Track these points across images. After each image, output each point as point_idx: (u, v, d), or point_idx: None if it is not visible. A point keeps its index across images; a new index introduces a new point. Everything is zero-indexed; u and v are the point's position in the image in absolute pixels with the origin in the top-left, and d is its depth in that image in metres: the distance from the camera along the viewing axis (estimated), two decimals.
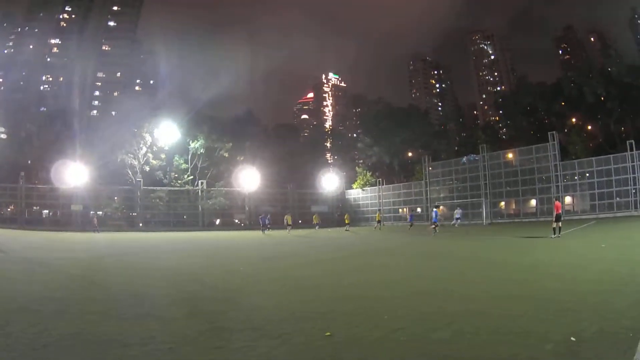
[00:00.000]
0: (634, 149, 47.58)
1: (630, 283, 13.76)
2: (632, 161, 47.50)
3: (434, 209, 39.63)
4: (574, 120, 76.90)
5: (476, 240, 35.27)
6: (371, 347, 9.20)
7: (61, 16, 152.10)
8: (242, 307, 13.55)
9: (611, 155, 51.09)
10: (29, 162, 77.69)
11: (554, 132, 57.24)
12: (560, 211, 30.18)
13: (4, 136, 71.80)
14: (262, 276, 20.19)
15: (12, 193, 70.47)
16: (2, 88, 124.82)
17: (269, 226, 56.10)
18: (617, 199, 48.26)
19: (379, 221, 59.97)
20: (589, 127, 76.57)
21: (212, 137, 78.21)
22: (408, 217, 63.08)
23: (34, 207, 76.13)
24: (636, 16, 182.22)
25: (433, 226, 37.41)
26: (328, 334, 10.32)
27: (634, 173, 47.24)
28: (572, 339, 8.89)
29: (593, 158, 53.36)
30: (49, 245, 37.13)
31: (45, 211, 77.51)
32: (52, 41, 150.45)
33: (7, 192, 71.28)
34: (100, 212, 72.58)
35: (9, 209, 75.22)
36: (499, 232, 41.07)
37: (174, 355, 9.02)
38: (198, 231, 63.74)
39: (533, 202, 47.56)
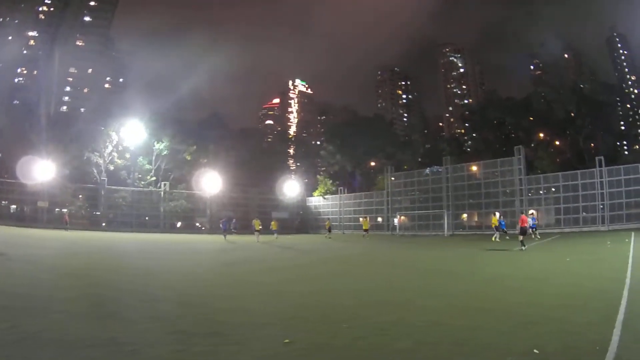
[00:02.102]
0: (603, 165, 47.78)
1: (595, 297, 13.82)
2: (601, 177, 47.74)
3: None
4: (541, 135, 77.06)
5: (439, 251, 35.26)
6: (330, 355, 9.25)
7: (40, 8, 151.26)
8: (201, 311, 13.43)
9: (579, 171, 51.32)
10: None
11: (520, 146, 57.20)
12: (525, 225, 31.00)
13: None
14: (221, 281, 20.45)
15: None
16: None
17: (233, 231, 55.77)
18: (584, 214, 48.62)
19: (329, 229, 60.10)
20: (557, 143, 76.86)
21: (177, 140, 78.25)
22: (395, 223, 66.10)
23: (2, 202, 75.09)
24: (614, 34, 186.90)
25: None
26: (287, 340, 10.29)
27: (602, 189, 47.47)
28: (535, 351, 8.86)
29: (560, 173, 53.49)
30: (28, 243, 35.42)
31: (13, 206, 76.18)
32: (30, 34, 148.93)
33: None
34: (65, 210, 70.57)
35: None
36: (461, 244, 41.25)
37: (136, 357, 9.03)
38: (159, 233, 63.31)
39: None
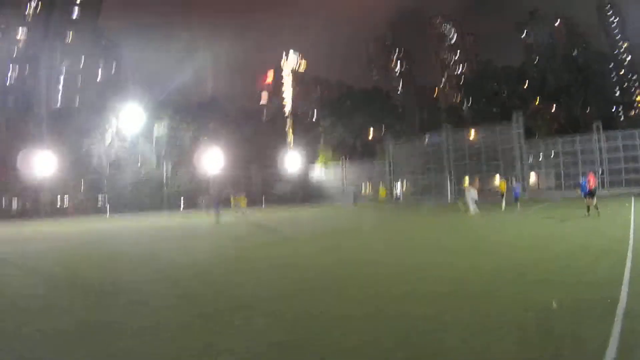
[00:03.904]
0: (601, 131, 48.16)
1: (602, 257, 14.34)
2: (599, 142, 48.12)
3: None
4: (537, 102, 77.51)
5: (451, 218, 35.19)
6: (358, 324, 9.54)
7: (27, 5, 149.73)
8: (226, 287, 14.12)
9: (577, 136, 51.63)
10: None
11: (519, 112, 56.99)
12: (594, 186, 27.85)
13: None
14: (239, 254, 21.32)
15: None
16: None
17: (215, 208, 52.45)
18: (583, 178, 48.42)
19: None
20: (553, 110, 77.31)
21: (177, 121, 78.07)
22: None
23: (5, 199, 75.41)
24: (605, 1, 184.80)
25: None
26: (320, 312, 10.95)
27: (600, 154, 47.82)
28: (554, 304, 9.67)
29: (559, 138, 53.82)
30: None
31: (14, 202, 76.54)
32: (20, 32, 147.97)
33: None
34: (67, 200, 72.70)
35: None
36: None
37: (175, 344, 9.17)
38: (164, 215, 61.75)
39: (497, 180, 47.80)
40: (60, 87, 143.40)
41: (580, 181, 31.12)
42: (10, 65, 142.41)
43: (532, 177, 55.60)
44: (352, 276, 14.91)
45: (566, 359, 7.38)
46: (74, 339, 9.57)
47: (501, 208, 37.20)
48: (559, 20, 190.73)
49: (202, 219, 49.33)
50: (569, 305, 9.65)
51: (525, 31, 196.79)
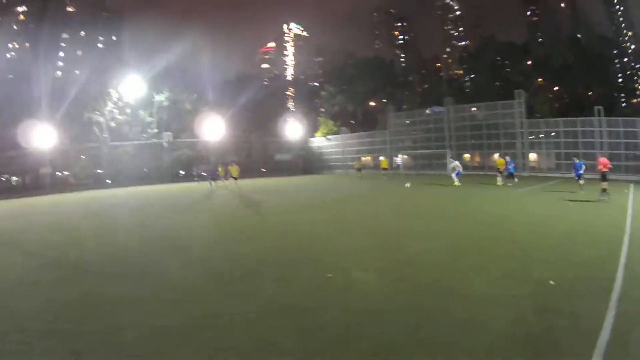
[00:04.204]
0: (602, 115, 48.13)
1: (599, 241, 14.95)
2: (600, 126, 48.02)
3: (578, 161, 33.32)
4: (540, 80, 77.08)
5: (456, 191, 35.88)
6: (367, 287, 10.94)
7: None
8: (234, 253, 15.52)
9: (578, 118, 51.46)
10: None
11: (521, 90, 56.98)
12: (606, 169, 27.21)
13: None
14: (246, 223, 22.73)
15: None
16: None
17: (209, 178, 53.15)
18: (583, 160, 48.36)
19: (358, 169, 61.10)
20: (556, 89, 77.26)
21: (177, 90, 78.21)
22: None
23: (5, 176, 76.17)
24: None
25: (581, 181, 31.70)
26: (329, 275, 11.96)
27: (601, 138, 47.74)
28: (551, 282, 10.41)
29: (560, 119, 53.58)
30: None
31: (15, 178, 77.19)
32: (19, 9, 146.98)
33: None
34: (67, 172, 72.81)
35: None
36: (469, 183, 41.25)
37: (181, 307, 10.27)
38: (164, 184, 63.97)
39: (496, 156, 47.91)
40: (57, 59, 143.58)
41: (576, 161, 32.74)
42: (8, 35, 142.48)
43: (533, 156, 55.65)
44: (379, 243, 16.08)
45: (562, 332, 8.05)
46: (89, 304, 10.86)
47: (496, 183, 39.03)
48: (563, 2, 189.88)
49: (201, 188, 50.92)
50: (567, 281, 10.56)
51: (530, 9, 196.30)
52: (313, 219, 23.41)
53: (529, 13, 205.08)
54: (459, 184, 40.79)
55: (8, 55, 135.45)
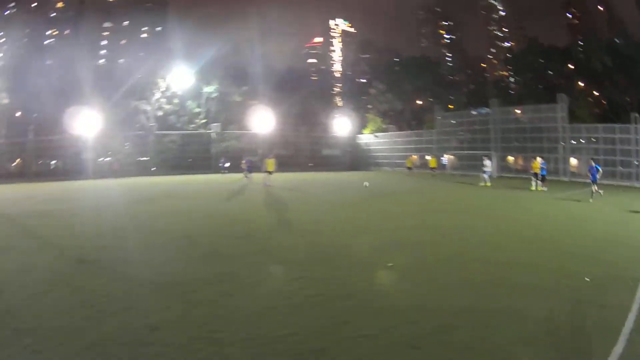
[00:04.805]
0: (638, 122, 47.60)
1: (629, 245, 16.25)
2: (636, 134, 47.57)
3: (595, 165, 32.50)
4: (581, 84, 77.60)
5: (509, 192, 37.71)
6: (425, 274, 12.39)
7: None
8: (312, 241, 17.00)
9: (617, 125, 51.11)
10: (35, 115, 77.80)
11: (563, 94, 56.82)
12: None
13: (6, 101, 71.03)
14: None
15: (22, 147, 70.53)
16: (5, 47, 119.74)
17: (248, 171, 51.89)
18: (620, 168, 47.99)
19: (409, 167, 62.52)
20: (595, 93, 77.64)
21: (226, 82, 79.53)
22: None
23: (45, 160, 77.49)
24: None
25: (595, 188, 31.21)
26: (390, 264, 13.46)
27: (637, 145, 47.34)
28: (587, 279, 11.61)
29: (599, 125, 53.38)
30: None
31: (56, 162, 78.73)
32: None
33: (16, 147, 71.75)
34: (110, 159, 74.18)
35: (13, 164, 75.78)
36: (515, 186, 42.55)
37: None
38: (211, 174, 65.08)
39: (539, 160, 47.06)
40: (102, 46, 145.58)
41: (593, 164, 32.23)
42: (47, 22, 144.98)
43: (573, 161, 55.47)
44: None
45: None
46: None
47: (531, 187, 38.71)
48: (599, 5, 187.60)
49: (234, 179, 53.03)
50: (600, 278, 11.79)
51: (570, 11, 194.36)
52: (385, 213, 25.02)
53: (569, 15, 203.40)
54: (489, 184, 43.18)
55: (46, 42, 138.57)
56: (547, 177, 40.78)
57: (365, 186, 39.95)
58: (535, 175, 39.28)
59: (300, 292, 11.10)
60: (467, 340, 8.22)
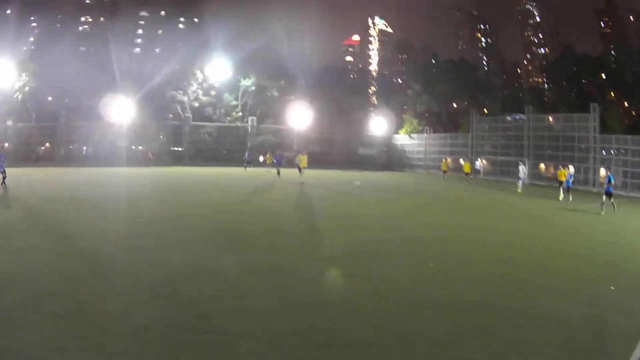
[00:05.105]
0: None
1: None
2: None
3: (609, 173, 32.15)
4: (613, 94, 78.14)
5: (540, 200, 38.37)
6: (463, 280, 12.72)
7: None
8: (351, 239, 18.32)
9: None
10: (67, 101, 78.46)
11: (595, 104, 56.77)
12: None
13: (32, 84, 70.13)
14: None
15: (53, 132, 72.87)
16: (36, 32, 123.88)
17: (278, 166, 51.34)
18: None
19: (444, 170, 61.29)
20: (626, 104, 78.35)
21: (264, 76, 79.60)
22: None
23: (75, 145, 78.08)
24: None
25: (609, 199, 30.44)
26: (431, 264, 14.30)
27: None
28: (612, 287, 12.32)
29: (629, 136, 53.09)
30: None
31: (87, 148, 78.77)
32: None
33: (46, 132, 73.42)
34: (141, 147, 75.78)
35: (42, 148, 76.58)
36: (544, 194, 41.81)
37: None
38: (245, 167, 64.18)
39: (571, 169, 46.16)
40: (137, 35, 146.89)
41: (608, 174, 31.56)
42: (80, 19, 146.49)
43: (602, 172, 53.14)
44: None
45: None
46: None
47: (559, 197, 37.25)
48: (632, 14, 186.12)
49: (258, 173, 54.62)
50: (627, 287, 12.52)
51: (603, 20, 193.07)
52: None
53: (602, 24, 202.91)
54: (520, 190, 43.52)
55: (80, 29, 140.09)
56: (577, 188, 41.60)
57: (357, 185, 41.42)
58: (560, 183, 38.47)
59: (353, 288, 11.86)
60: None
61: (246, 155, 66.42)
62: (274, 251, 15.53)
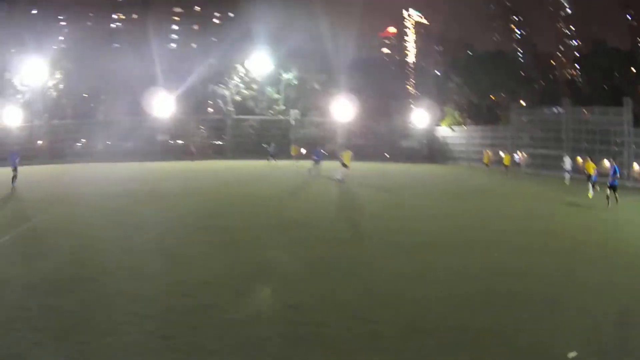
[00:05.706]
0: None
1: None
2: None
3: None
4: None
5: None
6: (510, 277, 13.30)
7: None
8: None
9: None
10: (103, 97, 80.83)
11: (628, 98, 56.59)
12: None
13: (59, 76, 72.28)
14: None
15: (89, 128, 74.46)
16: (66, 30, 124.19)
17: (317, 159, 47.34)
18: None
19: (486, 164, 61.68)
20: None
21: (305, 70, 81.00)
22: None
23: (113, 140, 76.49)
24: None
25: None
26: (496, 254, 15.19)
27: None
28: None
29: None
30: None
31: (126, 143, 75.57)
32: None
33: (83, 128, 74.60)
34: (182, 142, 77.68)
35: (79, 144, 76.83)
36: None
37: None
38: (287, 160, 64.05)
39: (606, 163, 42.37)
40: (172, 31, 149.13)
41: (614, 165, 30.05)
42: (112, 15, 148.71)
43: (636, 167, 54.18)
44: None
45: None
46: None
47: (589, 192, 34.32)
48: None
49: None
50: None
51: (629, 13, 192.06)
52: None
53: (629, 17, 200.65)
54: (567, 183, 44.61)
55: (113, 26, 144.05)
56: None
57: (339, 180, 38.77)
58: (589, 177, 35.55)
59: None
60: None
61: (271, 147, 66.89)
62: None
